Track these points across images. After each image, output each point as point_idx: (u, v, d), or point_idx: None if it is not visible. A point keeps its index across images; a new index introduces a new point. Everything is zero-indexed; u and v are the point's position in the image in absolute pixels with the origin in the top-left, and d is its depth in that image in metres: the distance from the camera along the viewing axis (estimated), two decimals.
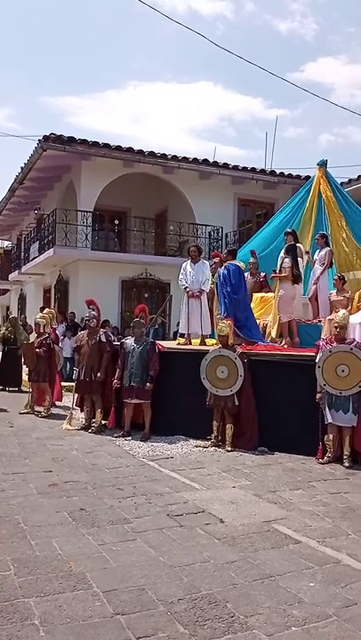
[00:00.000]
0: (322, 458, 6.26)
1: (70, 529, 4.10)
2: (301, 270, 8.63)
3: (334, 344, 6.43)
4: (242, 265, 8.38)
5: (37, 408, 9.20)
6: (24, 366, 10.49)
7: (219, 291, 8.26)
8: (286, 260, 8.33)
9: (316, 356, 6.54)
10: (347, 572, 3.49)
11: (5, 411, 9.35)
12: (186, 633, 2.75)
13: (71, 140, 14.42)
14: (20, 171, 16.47)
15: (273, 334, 8.54)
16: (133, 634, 2.73)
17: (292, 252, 8.44)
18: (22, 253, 20.65)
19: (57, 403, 9.55)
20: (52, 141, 14.19)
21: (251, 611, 2.97)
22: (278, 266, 8.55)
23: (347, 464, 6.06)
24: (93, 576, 3.33)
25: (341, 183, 12.45)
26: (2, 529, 4.04)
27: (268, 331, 8.77)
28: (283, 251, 8.58)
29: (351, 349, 6.31)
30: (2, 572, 3.35)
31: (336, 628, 2.83)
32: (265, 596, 3.14)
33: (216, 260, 9.35)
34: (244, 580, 3.34)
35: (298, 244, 8.73)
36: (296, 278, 8.44)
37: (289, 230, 9.06)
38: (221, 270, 8.35)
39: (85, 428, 7.93)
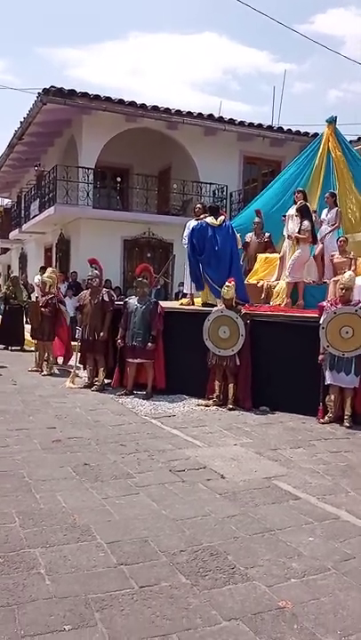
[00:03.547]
0: (323, 418, 6.32)
1: (74, 483, 4.16)
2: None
3: (339, 306, 6.39)
4: (214, 222, 8.01)
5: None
6: (26, 325, 10.50)
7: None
8: (305, 222, 8.17)
9: (318, 318, 6.52)
10: (345, 527, 3.56)
11: (2, 367, 9.42)
12: (188, 583, 2.82)
13: (72, 93, 14.00)
14: (19, 125, 16.05)
15: (282, 297, 8.41)
16: (136, 583, 2.80)
17: (309, 213, 8.28)
18: (23, 211, 20.35)
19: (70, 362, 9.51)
20: (52, 94, 13.78)
21: (251, 563, 3.04)
22: (293, 225, 8.33)
23: (347, 424, 6.12)
24: (97, 528, 3.40)
25: (351, 141, 12.10)
26: (7, 483, 4.11)
27: (277, 292, 8.65)
28: (294, 210, 8.36)
29: (356, 311, 6.27)
30: (7, 524, 3.42)
31: (334, 580, 2.90)
32: (265, 549, 3.21)
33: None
34: (245, 533, 3.41)
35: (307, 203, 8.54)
36: (314, 240, 8.34)
37: (300, 189, 8.86)
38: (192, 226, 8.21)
39: (88, 386, 7.99)
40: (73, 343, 8.87)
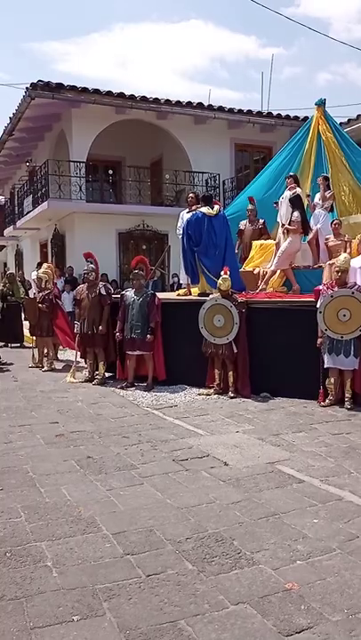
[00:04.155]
0: (323, 401, 6.34)
1: (78, 476, 4.18)
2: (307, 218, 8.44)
3: (335, 289, 6.38)
4: (210, 212, 7.97)
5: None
6: (25, 322, 10.51)
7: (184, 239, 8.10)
8: (295, 213, 8.12)
9: (315, 302, 6.51)
10: (349, 508, 3.58)
11: (9, 364, 9.43)
12: (194, 569, 2.84)
13: (60, 86, 13.91)
14: (8, 121, 15.94)
15: (277, 284, 8.40)
16: (143, 572, 2.82)
17: (300, 203, 8.23)
18: (16, 208, 20.27)
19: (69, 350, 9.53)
20: (40, 89, 13.70)
21: (257, 547, 3.07)
22: (285, 213, 8.31)
23: (348, 406, 6.14)
24: (102, 519, 3.42)
25: (341, 123, 12.04)
26: (11, 478, 4.13)
27: (272, 280, 8.63)
28: (286, 198, 8.32)
29: (353, 293, 6.27)
30: (13, 519, 3.44)
31: (340, 560, 2.93)
32: (270, 533, 3.23)
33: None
34: (250, 518, 3.43)
35: (298, 190, 8.48)
36: (306, 230, 8.30)
37: (291, 174, 8.81)
38: (187, 217, 8.17)
39: (89, 380, 8.01)
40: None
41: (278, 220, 8.63)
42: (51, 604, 2.54)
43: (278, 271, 8.34)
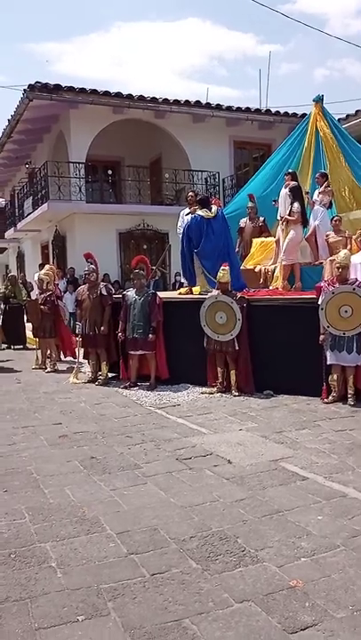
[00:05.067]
0: (326, 398, 6.33)
1: (82, 477, 4.19)
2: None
3: (337, 285, 6.37)
4: (208, 215, 7.94)
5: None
6: (27, 323, 10.53)
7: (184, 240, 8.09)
8: (296, 204, 8.13)
9: (316, 299, 6.50)
10: (353, 504, 3.58)
11: (14, 370, 9.45)
12: (198, 568, 2.84)
13: (57, 87, 13.90)
14: (7, 123, 15.95)
15: (279, 282, 8.40)
16: (148, 571, 2.82)
17: (300, 194, 8.24)
18: (17, 210, 20.29)
19: (71, 358, 9.51)
20: (37, 90, 13.68)
21: (261, 545, 3.06)
22: (284, 208, 8.32)
23: (351, 402, 6.14)
24: (106, 519, 3.42)
25: (339, 119, 12.01)
26: (15, 480, 4.14)
27: (275, 276, 8.64)
28: (287, 191, 8.32)
29: (354, 289, 6.26)
30: (18, 520, 3.45)
31: (344, 556, 2.92)
32: (274, 531, 3.23)
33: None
34: (254, 516, 3.43)
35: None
36: (305, 222, 8.30)
37: (290, 171, 8.81)
38: (187, 219, 8.16)
39: (92, 380, 8.02)
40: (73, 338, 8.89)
41: (278, 217, 8.62)
42: (55, 604, 2.55)
43: (279, 267, 8.34)
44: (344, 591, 2.60)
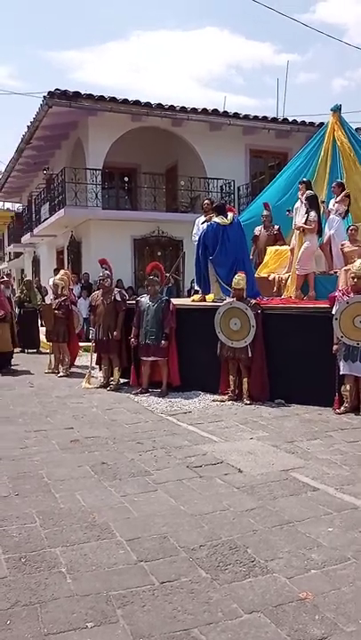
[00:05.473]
0: (338, 408, 6.28)
1: (93, 482, 4.20)
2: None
3: (351, 295, 6.34)
4: (225, 221, 7.91)
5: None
6: (41, 328, 10.61)
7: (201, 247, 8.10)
8: (312, 213, 8.13)
9: (330, 308, 6.48)
10: None
11: (30, 373, 9.53)
12: (208, 577, 2.84)
13: (77, 95, 14.05)
14: (26, 130, 16.16)
15: (292, 290, 8.38)
16: (157, 579, 2.82)
17: (316, 203, 8.23)
18: (33, 215, 20.50)
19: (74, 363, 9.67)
20: (57, 97, 13.84)
21: (271, 555, 3.05)
22: (300, 216, 8.31)
23: None
24: (116, 526, 3.43)
25: (357, 129, 11.98)
26: (26, 484, 4.17)
27: (288, 285, 8.62)
28: (304, 199, 8.30)
29: None
30: (28, 525, 3.47)
31: (355, 569, 2.89)
32: (284, 541, 3.21)
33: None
34: (264, 526, 3.41)
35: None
36: (320, 231, 8.29)
37: (304, 180, 8.81)
38: (203, 227, 8.17)
39: (104, 386, 8.05)
40: (87, 344, 8.93)
41: (293, 226, 8.61)
42: (65, 610, 2.56)
43: (292, 276, 8.32)
44: (354, 604, 2.58)
